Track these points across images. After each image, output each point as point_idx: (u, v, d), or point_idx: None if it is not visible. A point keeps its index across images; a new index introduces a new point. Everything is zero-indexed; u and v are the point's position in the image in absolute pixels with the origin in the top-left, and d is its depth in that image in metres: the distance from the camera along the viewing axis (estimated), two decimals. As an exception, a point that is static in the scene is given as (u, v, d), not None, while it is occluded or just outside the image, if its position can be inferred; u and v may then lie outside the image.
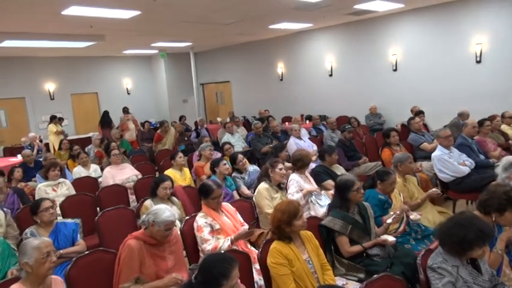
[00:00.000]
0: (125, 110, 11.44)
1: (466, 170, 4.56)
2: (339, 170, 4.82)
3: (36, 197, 4.51)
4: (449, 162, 4.59)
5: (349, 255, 3.02)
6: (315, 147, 6.49)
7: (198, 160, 5.70)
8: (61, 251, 3.21)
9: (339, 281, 2.86)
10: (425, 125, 7.30)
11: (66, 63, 12.25)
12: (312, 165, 4.90)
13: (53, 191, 4.77)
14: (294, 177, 4.10)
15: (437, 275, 2.23)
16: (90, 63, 12.74)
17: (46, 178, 5.02)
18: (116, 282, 2.64)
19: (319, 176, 4.52)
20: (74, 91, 12.60)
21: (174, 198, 4.14)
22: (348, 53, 10.00)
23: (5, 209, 3.89)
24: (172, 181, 4.09)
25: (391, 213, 3.34)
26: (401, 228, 3.43)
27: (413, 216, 3.37)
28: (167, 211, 2.69)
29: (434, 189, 4.13)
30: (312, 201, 3.84)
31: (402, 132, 6.86)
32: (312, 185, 4.12)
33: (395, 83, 9.14)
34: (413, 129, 6.13)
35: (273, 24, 9.02)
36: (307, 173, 4.27)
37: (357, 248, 3.02)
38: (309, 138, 7.05)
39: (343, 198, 3.16)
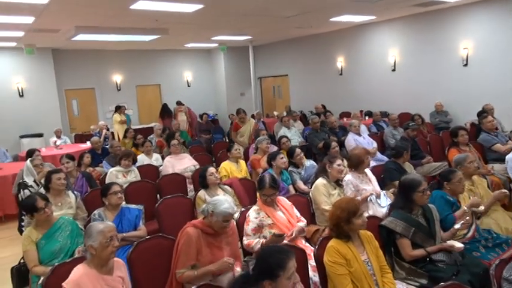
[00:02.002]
0: (178, 103, 11.89)
1: (545, 174, 4.15)
2: (410, 168, 4.58)
3: (107, 181, 4.77)
4: (527, 166, 4.20)
5: (411, 259, 2.86)
6: (375, 144, 6.25)
7: (255, 153, 5.73)
8: (124, 234, 3.37)
9: (399, 285, 2.72)
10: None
11: (132, 56, 12.86)
12: (372, 162, 4.71)
13: (123, 177, 5.03)
14: (350, 178, 3.93)
15: (514, 288, 2.05)
16: (154, 56, 13.27)
17: (114, 165, 5.30)
18: (174, 267, 2.72)
19: (391, 173, 4.32)
20: (138, 83, 13.20)
21: (226, 187, 4.20)
22: (413, 46, 9.48)
23: (75, 192, 4.16)
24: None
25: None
26: (470, 234, 3.19)
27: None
28: (226, 203, 2.71)
29: (502, 190, 3.79)
30: (371, 200, 3.68)
31: (471, 131, 6.41)
32: (370, 185, 3.94)
33: (465, 79, 8.52)
34: (485, 128, 5.67)
35: (334, 17, 8.79)
36: (367, 171, 4.09)
37: (419, 252, 2.85)
38: (368, 135, 6.80)
39: (406, 199, 2.99)
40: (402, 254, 2.89)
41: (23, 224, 4.24)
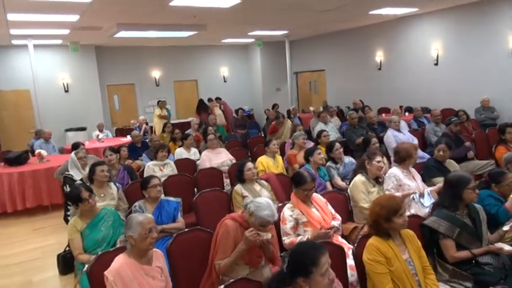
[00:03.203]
0: (210, 99, 12.07)
1: None
2: (453, 166, 4.39)
3: (145, 175, 4.88)
4: None
5: (455, 260, 2.75)
6: (416, 141, 6.04)
7: (291, 148, 5.69)
8: (163, 226, 3.45)
9: (442, 287, 2.62)
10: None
11: (170, 52, 13.11)
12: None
13: (160, 170, 5.15)
14: (394, 171, 3.80)
15: None
16: (191, 52, 13.46)
17: (153, 158, 5.43)
18: (211, 258, 2.76)
19: (430, 171, 4.16)
20: (176, 78, 13.46)
21: (263, 182, 4.19)
22: (458, 39, 9.05)
23: (117, 184, 4.30)
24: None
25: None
26: (520, 236, 3.02)
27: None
28: (268, 210, 2.64)
29: None
30: (414, 199, 3.55)
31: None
32: (414, 182, 3.80)
33: (515, 74, 8.06)
34: (536, 125, 5.34)
35: (374, 9, 8.54)
36: (411, 168, 3.95)
37: (464, 254, 2.73)
38: (408, 131, 6.58)
39: (454, 197, 2.85)
40: (445, 255, 2.77)
41: (68, 213, 4.44)
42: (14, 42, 9.71)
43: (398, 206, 2.46)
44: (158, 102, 11.40)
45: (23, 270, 4.41)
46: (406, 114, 9.29)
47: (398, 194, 3.62)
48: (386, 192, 3.64)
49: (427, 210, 3.42)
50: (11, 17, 6.70)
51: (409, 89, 10.16)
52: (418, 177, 3.91)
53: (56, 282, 4.09)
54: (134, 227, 2.40)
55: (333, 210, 3.33)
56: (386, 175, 3.84)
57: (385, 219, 2.45)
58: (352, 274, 2.71)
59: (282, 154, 5.97)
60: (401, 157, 3.86)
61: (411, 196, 3.60)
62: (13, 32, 8.20)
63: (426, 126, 6.96)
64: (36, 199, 6.30)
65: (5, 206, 6.20)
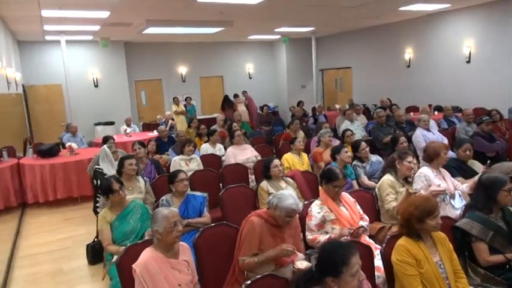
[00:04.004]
0: (236, 95, 12.03)
1: None
2: (476, 167, 4.25)
3: (171, 169, 4.95)
4: None
5: (488, 264, 2.66)
6: (446, 141, 5.87)
7: (317, 146, 5.65)
8: (190, 220, 3.49)
9: (473, 292, 2.55)
10: None
11: (197, 49, 13.23)
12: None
13: (186, 165, 5.20)
14: (424, 170, 3.70)
15: None
16: (217, 49, 13.54)
17: (179, 153, 5.50)
18: (237, 254, 2.76)
19: (449, 171, 4.06)
20: (202, 74, 13.57)
21: (289, 179, 4.17)
22: (491, 36, 8.73)
23: (145, 178, 4.37)
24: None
25: None
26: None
27: None
28: (291, 199, 2.66)
29: None
30: (444, 200, 3.45)
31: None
32: (444, 183, 3.68)
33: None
34: None
35: (404, 6, 8.35)
36: (442, 169, 3.83)
37: (498, 258, 2.64)
38: (438, 131, 6.41)
39: (488, 199, 2.76)
40: (478, 258, 2.69)
41: (97, 205, 4.55)
42: (47, 38, 10.02)
43: (433, 208, 2.40)
44: (174, 98, 11.52)
45: (53, 259, 4.56)
46: (436, 113, 9.05)
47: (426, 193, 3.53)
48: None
49: (458, 212, 3.32)
50: (45, 13, 6.92)
51: (439, 87, 9.89)
52: (449, 177, 3.80)
53: (85, 271, 4.21)
54: (159, 221, 2.44)
55: (361, 211, 3.28)
56: (416, 174, 3.75)
57: (418, 220, 2.39)
58: (378, 276, 2.66)
59: (308, 152, 5.93)
60: (429, 156, 3.77)
61: (441, 197, 3.50)
62: (47, 28, 8.46)
63: (457, 126, 6.76)
64: (66, 190, 6.49)
65: (37, 196, 6.43)
